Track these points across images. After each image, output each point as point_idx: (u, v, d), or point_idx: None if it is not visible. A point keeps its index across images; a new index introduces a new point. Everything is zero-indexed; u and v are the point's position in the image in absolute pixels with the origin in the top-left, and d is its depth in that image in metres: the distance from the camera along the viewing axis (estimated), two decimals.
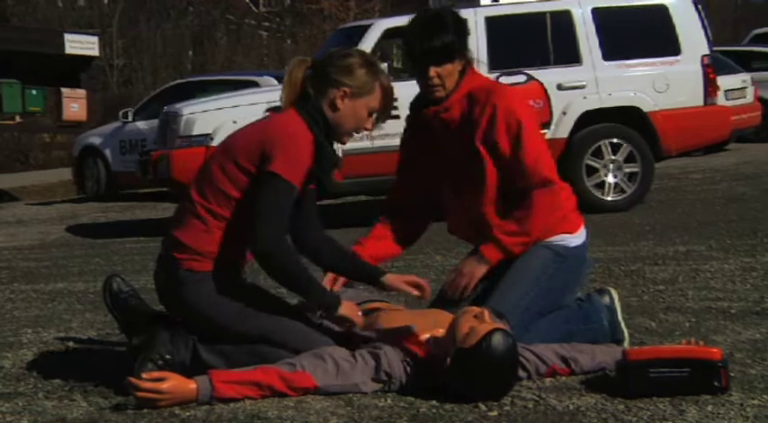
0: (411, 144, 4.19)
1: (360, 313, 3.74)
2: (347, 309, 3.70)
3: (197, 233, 3.69)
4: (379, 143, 8.61)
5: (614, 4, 9.91)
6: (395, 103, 3.85)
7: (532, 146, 3.91)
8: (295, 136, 3.64)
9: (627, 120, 9.65)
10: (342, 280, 4.05)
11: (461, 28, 3.97)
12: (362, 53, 3.91)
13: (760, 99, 15.50)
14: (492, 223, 3.95)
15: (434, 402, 3.40)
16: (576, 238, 4.04)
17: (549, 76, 7.67)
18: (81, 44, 22.97)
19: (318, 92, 3.75)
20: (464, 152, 3.96)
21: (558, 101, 8.61)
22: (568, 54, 9.72)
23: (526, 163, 3.89)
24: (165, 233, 3.83)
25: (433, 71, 3.91)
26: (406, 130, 4.23)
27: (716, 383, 3.34)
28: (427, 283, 3.91)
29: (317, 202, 3.94)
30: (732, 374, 3.47)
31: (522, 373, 3.55)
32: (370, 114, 3.79)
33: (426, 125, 4.06)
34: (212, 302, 3.67)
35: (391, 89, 3.82)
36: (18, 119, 19.62)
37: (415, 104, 4.09)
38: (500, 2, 9.95)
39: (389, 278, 3.87)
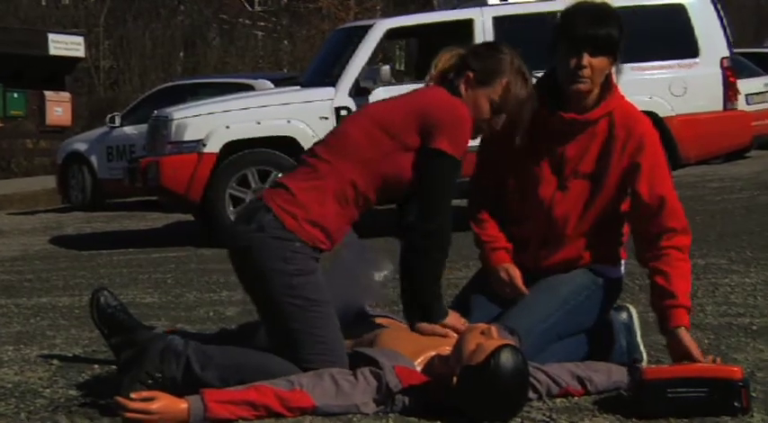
0: (501, 141, 3.94)
1: (465, 323, 3.74)
2: (453, 319, 3.75)
3: (308, 187, 3.64)
4: None
5: (629, 4, 9.85)
6: None
7: (672, 188, 3.87)
8: (465, 118, 3.67)
9: None
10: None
11: (623, 30, 3.86)
12: (510, 48, 3.87)
13: None
14: (563, 246, 3.91)
15: None
16: (618, 269, 4.05)
17: None
18: (66, 45, 23.05)
19: (455, 75, 3.81)
20: (581, 168, 3.89)
21: None
22: None
23: (671, 205, 3.84)
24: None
25: (586, 59, 3.78)
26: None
27: (736, 404, 3.34)
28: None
29: None
30: (753, 394, 3.48)
31: (532, 395, 3.54)
32: (494, 111, 3.77)
33: (539, 124, 3.87)
34: (276, 270, 3.58)
35: (515, 93, 3.76)
36: None
37: (542, 100, 3.87)
38: (508, 1, 9.95)
39: (421, 326, 3.78)
